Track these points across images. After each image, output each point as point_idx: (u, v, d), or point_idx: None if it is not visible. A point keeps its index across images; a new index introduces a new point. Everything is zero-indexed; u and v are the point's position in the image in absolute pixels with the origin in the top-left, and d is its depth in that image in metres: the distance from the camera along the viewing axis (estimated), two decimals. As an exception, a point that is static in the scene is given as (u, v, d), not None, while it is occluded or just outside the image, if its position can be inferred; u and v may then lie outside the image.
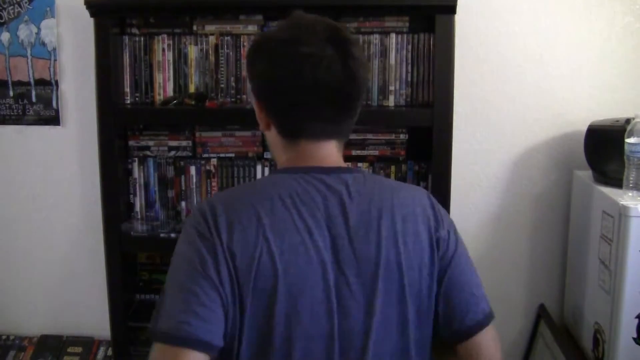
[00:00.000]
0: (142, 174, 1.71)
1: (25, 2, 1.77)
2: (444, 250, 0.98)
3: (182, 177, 1.70)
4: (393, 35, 1.60)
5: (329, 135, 1.02)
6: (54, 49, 1.78)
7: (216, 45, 1.64)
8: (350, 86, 0.99)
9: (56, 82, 1.80)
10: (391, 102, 1.61)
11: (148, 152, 1.70)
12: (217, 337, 0.89)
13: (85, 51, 1.68)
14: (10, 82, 1.81)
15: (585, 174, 1.60)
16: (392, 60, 1.60)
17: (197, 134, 1.68)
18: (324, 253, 0.93)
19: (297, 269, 0.92)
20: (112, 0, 1.58)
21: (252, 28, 1.63)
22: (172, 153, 1.70)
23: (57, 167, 1.84)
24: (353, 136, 1.63)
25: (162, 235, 1.62)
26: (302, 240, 0.93)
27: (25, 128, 1.83)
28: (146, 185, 1.71)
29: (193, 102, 1.60)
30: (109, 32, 1.58)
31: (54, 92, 1.80)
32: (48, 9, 1.77)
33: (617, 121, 1.47)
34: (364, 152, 1.65)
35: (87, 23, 1.57)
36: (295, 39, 0.98)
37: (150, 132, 1.70)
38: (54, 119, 1.82)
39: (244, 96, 1.64)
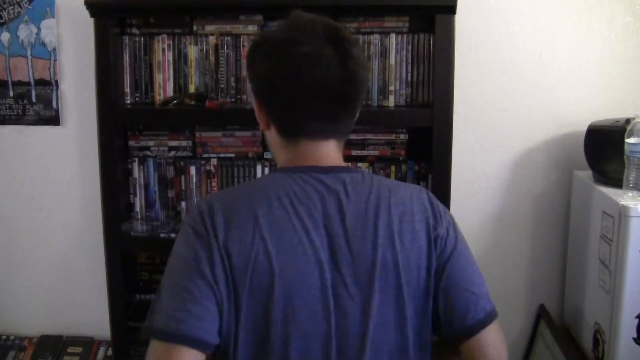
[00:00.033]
0: (142, 174, 1.71)
1: (25, 2, 1.77)
2: (441, 248, 0.98)
3: (182, 177, 1.70)
4: (393, 35, 1.59)
5: (328, 134, 1.02)
6: (54, 49, 1.78)
7: (216, 45, 1.64)
8: (350, 86, 0.99)
9: (56, 82, 1.80)
10: (391, 102, 1.61)
11: (148, 152, 1.70)
12: (212, 335, 0.90)
13: (85, 51, 1.68)
14: (10, 82, 1.81)
15: (585, 174, 1.60)
16: (392, 60, 1.60)
17: (197, 134, 1.68)
18: (320, 252, 0.93)
19: (293, 268, 0.92)
20: (112, 0, 1.58)
21: (252, 28, 1.63)
22: (172, 153, 1.70)
23: (57, 167, 1.84)
24: (353, 136, 1.63)
25: (162, 235, 1.62)
26: (299, 240, 0.93)
27: (25, 128, 1.83)
28: (146, 185, 1.71)
29: (193, 102, 1.60)
30: (109, 32, 1.58)
31: (54, 92, 1.80)
32: (48, 9, 1.77)
33: (617, 121, 1.47)
34: (364, 152, 1.65)
35: (87, 23, 1.57)
36: (294, 39, 0.98)
37: (150, 132, 1.70)
38: (54, 119, 1.82)
39: (244, 96, 1.64)
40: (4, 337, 1.91)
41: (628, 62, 1.67)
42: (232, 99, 1.65)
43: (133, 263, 1.78)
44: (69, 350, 1.87)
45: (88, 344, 1.87)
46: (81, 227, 1.86)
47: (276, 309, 0.91)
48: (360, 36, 1.58)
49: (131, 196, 1.71)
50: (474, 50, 1.69)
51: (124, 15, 1.65)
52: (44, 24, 1.78)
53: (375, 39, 1.60)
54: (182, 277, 0.91)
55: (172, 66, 1.66)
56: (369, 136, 1.64)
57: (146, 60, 1.66)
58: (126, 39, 1.65)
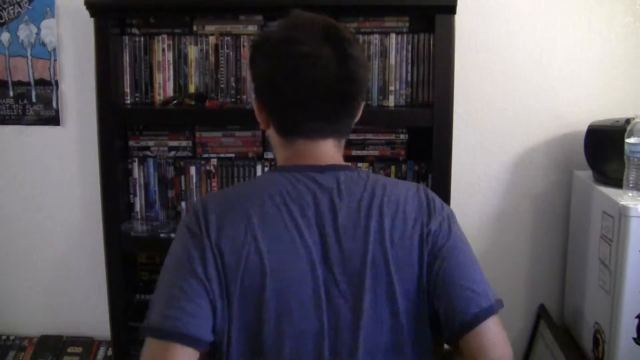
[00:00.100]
0: (142, 174, 1.71)
1: (25, 2, 1.77)
2: (433, 243, 0.96)
3: (182, 177, 1.70)
4: (393, 35, 1.59)
5: (326, 134, 1.02)
6: (54, 49, 1.78)
7: (216, 45, 1.64)
8: (349, 85, 0.99)
9: (56, 82, 1.80)
10: (391, 102, 1.61)
11: (148, 152, 1.70)
12: (205, 332, 0.91)
13: (85, 51, 1.68)
14: (10, 82, 1.81)
15: (585, 174, 1.60)
16: (392, 60, 1.60)
17: (197, 134, 1.68)
18: (312, 252, 0.94)
19: (285, 267, 0.93)
20: (112, 0, 1.58)
21: (252, 28, 1.63)
22: (172, 153, 1.70)
23: (57, 167, 1.84)
24: (353, 136, 1.63)
25: (162, 235, 1.62)
26: (291, 239, 0.94)
27: (25, 128, 1.83)
28: (146, 185, 1.71)
29: (193, 102, 1.60)
30: (109, 32, 1.58)
31: (54, 92, 1.80)
32: (48, 9, 1.77)
33: (617, 121, 1.47)
34: (364, 152, 1.65)
35: (87, 23, 1.57)
36: (293, 39, 0.98)
37: (150, 132, 1.70)
38: (54, 119, 1.82)
39: (244, 96, 1.65)
40: (4, 337, 1.91)
41: (628, 62, 1.67)
42: (232, 99, 1.65)
43: (133, 263, 1.78)
44: (69, 350, 1.87)
45: (88, 344, 1.87)
46: (81, 227, 1.86)
47: (268, 308, 0.92)
48: (360, 36, 1.58)
49: (131, 196, 1.71)
50: (474, 50, 1.69)
51: (124, 15, 1.65)
52: (44, 24, 1.78)
53: (375, 39, 1.60)
54: (176, 276, 0.93)
55: (172, 66, 1.66)
56: (369, 136, 1.64)
57: (146, 60, 1.66)
58: (126, 39, 1.65)
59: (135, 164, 1.70)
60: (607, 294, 1.40)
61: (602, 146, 1.52)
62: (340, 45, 0.98)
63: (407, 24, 1.60)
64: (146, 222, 1.70)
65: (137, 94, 1.67)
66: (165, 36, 1.65)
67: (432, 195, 1.03)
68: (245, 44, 1.62)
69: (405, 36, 1.59)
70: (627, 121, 1.40)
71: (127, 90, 1.67)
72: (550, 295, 1.78)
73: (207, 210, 0.96)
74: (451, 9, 1.48)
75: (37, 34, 1.78)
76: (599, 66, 1.67)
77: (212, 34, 1.64)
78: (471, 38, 1.68)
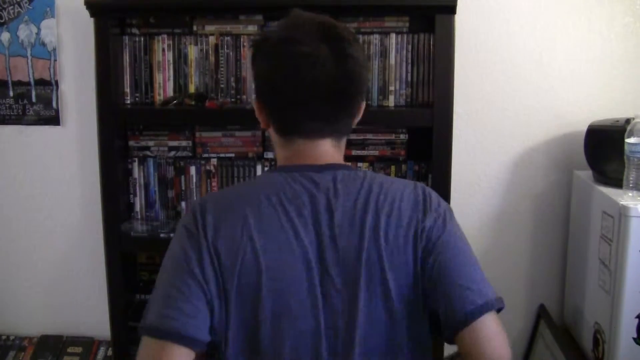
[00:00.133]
0: (142, 174, 1.71)
1: (25, 2, 1.77)
2: (427, 239, 0.95)
3: (182, 177, 1.70)
4: (393, 35, 1.59)
5: (325, 133, 1.02)
6: (54, 49, 1.78)
7: (216, 45, 1.64)
8: (347, 84, 0.99)
9: (56, 82, 1.80)
10: (391, 102, 1.61)
11: (148, 152, 1.70)
12: (202, 333, 0.91)
13: (85, 51, 1.68)
14: (10, 82, 1.81)
15: (585, 174, 1.60)
16: (392, 60, 1.60)
17: (197, 134, 1.68)
18: (308, 251, 0.94)
19: (281, 267, 0.93)
20: (112, 0, 1.58)
21: (252, 28, 1.63)
22: (172, 153, 1.70)
23: (57, 167, 1.84)
24: (353, 136, 1.63)
25: (162, 235, 1.62)
26: (287, 239, 0.94)
27: (25, 128, 1.83)
28: (146, 185, 1.71)
29: (193, 102, 1.60)
30: (109, 32, 1.58)
31: (54, 92, 1.80)
32: (48, 9, 1.77)
33: (617, 121, 1.47)
34: (364, 152, 1.65)
35: (87, 23, 1.57)
36: (291, 39, 0.98)
37: (150, 132, 1.70)
38: (54, 119, 1.82)
39: (244, 96, 1.65)
40: (4, 337, 1.91)
41: (628, 62, 1.67)
42: (232, 99, 1.65)
43: (133, 263, 1.78)
44: (69, 350, 1.87)
45: (88, 344, 1.87)
46: (81, 227, 1.86)
47: (264, 308, 0.92)
48: (360, 36, 1.58)
49: (131, 196, 1.71)
50: (474, 50, 1.69)
51: (124, 15, 1.65)
52: (44, 24, 1.78)
53: (375, 39, 1.60)
54: (174, 276, 0.94)
55: (172, 66, 1.66)
56: (369, 136, 1.64)
57: (146, 60, 1.66)
58: (126, 39, 1.65)
59: (135, 164, 1.70)
60: (607, 294, 1.40)
61: (602, 146, 1.52)
62: (338, 45, 0.98)
63: (407, 24, 1.60)
64: (146, 222, 1.70)
65: (137, 94, 1.67)
66: (165, 36, 1.65)
67: (430, 192, 1.02)
68: (245, 44, 1.62)
69: (405, 36, 1.59)
70: (627, 121, 1.40)
71: (127, 90, 1.67)
72: (550, 295, 1.78)
73: (205, 211, 0.97)
74: (451, 9, 1.48)
75: (37, 34, 1.78)
76: (599, 66, 1.67)
77: (212, 34, 1.63)
78: (471, 38, 1.68)
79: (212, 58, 1.64)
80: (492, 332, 0.92)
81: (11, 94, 1.81)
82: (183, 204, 1.70)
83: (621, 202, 1.34)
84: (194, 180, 1.69)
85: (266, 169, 1.67)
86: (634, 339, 1.35)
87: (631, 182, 1.37)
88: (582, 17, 1.66)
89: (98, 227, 1.67)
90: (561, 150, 1.72)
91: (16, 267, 1.91)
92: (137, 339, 0.94)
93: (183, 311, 0.90)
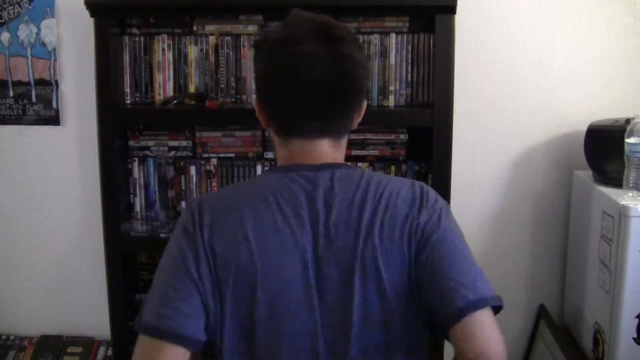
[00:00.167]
0: (142, 174, 1.71)
1: (25, 2, 1.77)
2: (420, 234, 0.94)
3: (182, 177, 1.70)
4: (393, 35, 1.59)
5: (323, 133, 1.02)
6: (54, 49, 1.78)
7: (216, 45, 1.64)
8: (343, 84, 0.99)
9: (56, 82, 1.80)
10: (391, 102, 1.61)
11: (148, 152, 1.70)
12: (198, 332, 0.92)
13: (85, 51, 1.68)
14: (10, 82, 1.81)
15: (585, 174, 1.60)
16: (392, 60, 1.60)
17: (197, 134, 1.68)
18: (304, 251, 0.94)
19: (277, 268, 0.93)
20: (112, 0, 1.58)
21: (252, 28, 1.63)
22: (172, 153, 1.70)
23: (57, 167, 1.84)
24: (353, 136, 1.63)
25: (162, 235, 1.62)
26: (283, 239, 0.94)
27: (25, 128, 1.83)
28: (146, 185, 1.71)
29: (193, 102, 1.60)
30: (109, 32, 1.58)
31: (54, 92, 1.80)
32: (48, 9, 1.77)
33: (617, 121, 1.47)
34: (364, 152, 1.65)
35: (87, 23, 1.57)
36: (289, 39, 0.99)
37: (150, 132, 1.70)
38: (54, 119, 1.82)
39: (244, 96, 1.65)
40: (4, 337, 1.91)
41: (628, 62, 1.67)
42: (232, 99, 1.65)
43: (133, 263, 1.78)
44: (69, 350, 1.87)
45: (88, 344, 1.87)
46: (81, 227, 1.86)
47: (260, 308, 0.93)
48: (360, 36, 1.58)
49: (131, 196, 1.71)
50: (474, 50, 1.69)
51: (124, 15, 1.65)
52: (44, 24, 1.78)
53: (375, 39, 1.60)
54: (171, 276, 0.94)
55: (172, 66, 1.66)
56: (369, 136, 1.64)
57: (146, 60, 1.66)
58: (126, 39, 1.65)
59: (135, 164, 1.70)
60: (607, 294, 1.40)
61: (602, 146, 1.52)
62: (336, 45, 0.98)
63: (407, 24, 1.60)
64: (146, 222, 1.70)
65: (137, 94, 1.67)
66: (165, 36, 1.65)
67: (427, 189, 1.01)
68: (245, 44, 1.62)
69: (405, 36, 1.59)
70: (627, 121, 1.40)
71: (127, 90, 1.67)
72: (550, 295, 1.78)
73: (202, 211, 0.97)
74: (451, 9, 1.48)
75: (37, 34, 1.78)
76: (599, 66, 1.67)
77: (212, 34, 1.63)
78: (471, 38, 1.68)
79: (212, 58, 1.64)
80: (485, 328, 0.89)
81: (11, 94, 1.81)
82: (183, 204, 1.70)
83: (621, 202, 1.34)
84: (194, 180, 1.69)
85: (266, 168, 1.67)
86: (634, 339, 1.35)
87: (631, 182, 1.37)
88: (582, 17, 1.66)
89: (98, 227, 1.67)
90: (561, 150, 1.72)
91: (16, 267, 1.91)
92: (137, 338, 0.94)
93: (179, 311, 0.91)
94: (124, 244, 1.64)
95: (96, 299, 1.84)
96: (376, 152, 1.65)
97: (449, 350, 1.39)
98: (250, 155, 1.68)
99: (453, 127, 1.53)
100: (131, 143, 1.70)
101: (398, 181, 1.02)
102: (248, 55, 1.62)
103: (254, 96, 1.62)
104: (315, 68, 0.96)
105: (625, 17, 1.65)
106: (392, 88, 1.61)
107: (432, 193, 1.01)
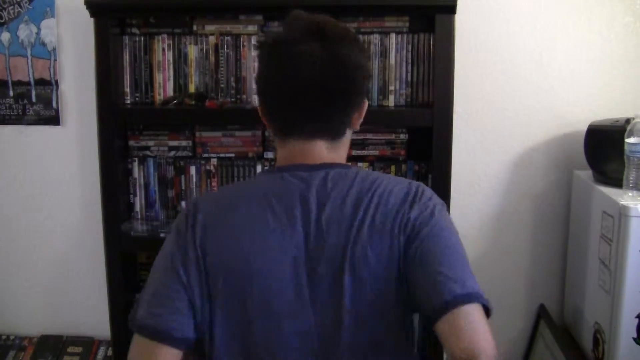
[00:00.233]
0: (142, 174, 1.71)
1: (25, 2, 1.77)
2: (410, 229, 0.93)
3: (182, 177, 1.70)
4: (393, 35, 1.59)
5: (319, 134, 1.02)
6: (54, 49, 1.78)
7: (216, 45, 1.64)
8: (340, 84, 0.99)
9: (56, 82, 1.80)
10: (391, 102, 1.62)
11: (148, 152, 1.70)
12: (189, 332, 0.93)
13: (85, 51, 1.68)
14: (10, 82, 1.81)
15: (585, 174, 1.60)
16: (392, 60, 1.60)
17: (197, 134, 1.68)
18: (297, 251, 0.94)
19: (269, 268, 0.94)
20: (112, 0, 1.58)
21: (252, 28, 1.63)
22: (172, 153, 1.70)
23: (57, 167, 1.84)
24: (353, 136, 1.60)
25: (162, 235, 1.62)
26: (275, 239, 0.94)
27: (25, 128, 1.83)
28: (146, 185, 1.71)
29: (193, 102, 1.60)
30: (109, 32, 1.58)
31: (54, 92, 1.80)
32: (48, 9, 1.77)
33: (617, 121, 1.47)
34: (364, 152, 1.65)
35: (87, 23, 1.57)
36: (286, 39, 1.00)
37: (150, 132, 1.70)
38: (54, 119, 1.82)
39: (244, 96, 1.65)
40: (4, 337, 1.91)
41: (628, 62, 1.67)
42: (232, 99, 1.65)
43: (133, 263, 1.77)
44: (69, 350, 1.87)
45: (88, 344, 1.87)
46: (81, 227, 1.86)
47: (252, 308, 0.93)
48: (360, 36, 1.58)
49: (131, 196, 1.71)
50: (474, 50, 1.69)
51: (124, 15, 1.65)
52: (44, 23, 1.78)
53: (375, 39, 1.60)
54: (163, 275, 0.96)
55: (172, 66, 1.66)
56: (369, 136, 1.64)
57: (146, 60, 1.66)
58: (126, 39, 1.65)
59: (135, 164, 1.70)
60: (607, 294, 1.40)
61: (602, 146, 1.52)
62: (333, 45, 0.98)
63: (407, 24, 1.60)
64: (146, 222, 1.70)
65: (137, 94, 1.67)
66: (165, 36, 1.65)
67: (424, 189, 1.00)
68: (245, 44, 1.62)
69: (405, 36, 1.59)
70: (627, 121, 1.40)
71: (127, 90, 1.67)
72: (550, 295, 1.78)
73: (197, 211, 0.98)
74: (451, 9, 1.48)
75: (37, 33, 1.78)
76: (599, 66, 1.67)
77: (212, 34, 1.63)
78: (471, 38, 1.68)
79: (212, 58, 1.64)
80: (473, 322, 0.85)
81: (11, 93, 1.81)
82: (183, 203, 1.70)
83: (621, 202, 1.34)
84: (194, 180, 1.69)
85: (266, 168, 1.67)
86: (634, 339, 1.35)
87: (631, 182, 1.37)
88: (582, 17, 1.66)
89: (98, 227, 1.67)
90: (561, 150, 1.72)
91: (16, 267, 1.91)
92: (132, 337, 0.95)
93: (169, 310, 0.93)
94: (124, 244, 1.64)
95: (96, 299, 1.84)
96: (376, 152, 1.65)
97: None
98: (250, 155, 1.68)
99: (453, 127, 1.53)
100: (131, 143, 1.70)
101: (394, 180, 1.02)
102: (248, 55, 1.62)
103: (254, 96, 1.62)
104: (313, 69, 0.96)
105: (625, 17, 1.65)
106: (392, 88, 1.61)
107: (428, 192, 1.00)
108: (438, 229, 0.94)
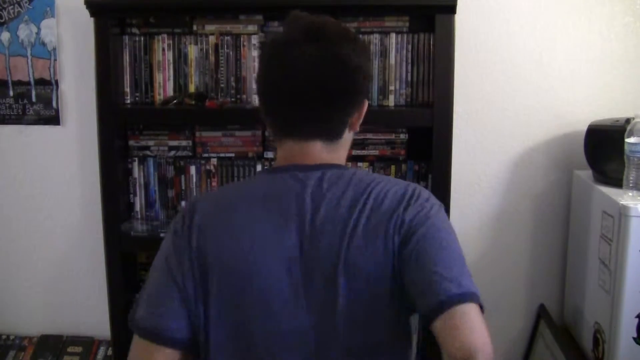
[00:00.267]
0: (142, 174, 1.71)
1: (25, 2, 1.77)
2: (405, 231, 0.92)
3: (182, 177, 1.70)
4: (393, 35, 1.60)
5: (315, 134, 1.02)
6: (54, 49, 1.78)
7: (216, 45, 1.64)
8: (338, 84, 0.99)
9: (56, 82, 1.80)
10: (391, 102, 1.62)
11: (148, 152, 1.70)
12: (186, 333, 0.94)
13: (85, 51, 1.68)
14: (10, 82, 1.81)
15: (585, 174, 1.60)
16: (392, 60, 1.60)
17: (197, 134, 1.68)
18: (292, 251, 0.94)
19: (265, 268, 0.94)
20: (112, 0, 1.58)
21: (252, 28, 1.63)
22: (172, 153, 1.70)
23: (57, 167, 1.84)
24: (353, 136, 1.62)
25: (162, 235, 1.61)
26: (270, 240, 0.94)
27: (25, 128, 1.83)
28: (146, 185, 1.71)
29: (193, 102, 1.60)
30: (109, 32, 1.58)
31: (54, 92, 1.80)
32: (48, 8, 1.77)
33: (617, 121, 1.47)
34: (364, 152, 1.65)
35: (87, 23, 1.57)
36: (285, 40, 1.00)
37: (150, 132, 1.70)
38: (54, 119, 1.82)
39: (244, 96, 1.65)
40: (4, 337, 1.91)
41: (628, 62, 1.67)
42: (232, 99, 1.65)
43: (133, 263, 1.77)
44: (69, 350, 1.87)
45: (88, 344, 1.87)
46: (81, 227, 1.86)
47: (247, 309, 0.93)
48: (360, 36, 1.58)
49: (131, 196, 1.71)
50: (474, 50, 1.69)
51: (124, 15, 1.65)
52: (44, 23, 1.78)
53: (375, 38, 1.60)
54: (160, 276, 0.97)
55: (172, 66, 1.66)
56: (369, 136, 1.64)
57: (146, 60, 1.66)
58: (126, 38, 1.65)
59: (135, 164, 1.70)
60: (607, 293, 1.40)
61: (602, 146, 1.52)
62: (331, 46, 0.98)
63: (407, 24, 1.60)
64: (146, 221, 1.70)
65: (137, 94, 1.67)
66: (165, 36, 1.65)
67: (420, 190, 0.99)
68: (245, 44, 1.62)
69: (405, 36, 1.59)
70: (627, 121, 1.40)
71: (127, 90, 1.67)
72: (550, 295, 1.78)
73: (194, 211, 0.98)
74: (451, 9, 1.48)
75: (37, 33, 1.78)
76: (599, 66, 1.67)
77: (212, 34, 1.64)
78: (471, 38, 1.68)
79: (212, 58, 1.64)
80: (470, 320, 0.84)
81: (11, 93, 1.81)
82: (183, 203, 1.70)
83: (621, 202, 1.34)
84: (194, 180, 1.69)
85: (265, 168, 1.67)
86: (634, 338, 1.35)
87: (631, 181, 1.37)
88: (582, 17, 1.66)
89: (98, 227, 1.67)
90: (561, 150, 1.72)
91: (16, 267, 1.91)
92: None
93: (167, 311, 0.93)
94: (124, 244, 1.64)
95: (96, 299, 1.84)
96: (376, 152, 1.65)
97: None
98: (250, 155, 1.68)
99: (453, 127, 1.53)
100: (131, 143, 1.70)
101: (391, 182, 1.00)
102: (248, 55, 1.62)
103: (254, 96, 1.62)
104: (313, 69, 0.97)
105: (625, 17, 1.65)
106: (392, 88, 1.61)
107: (425, 193, 0.99)
108: (434, 229, 0.93)
